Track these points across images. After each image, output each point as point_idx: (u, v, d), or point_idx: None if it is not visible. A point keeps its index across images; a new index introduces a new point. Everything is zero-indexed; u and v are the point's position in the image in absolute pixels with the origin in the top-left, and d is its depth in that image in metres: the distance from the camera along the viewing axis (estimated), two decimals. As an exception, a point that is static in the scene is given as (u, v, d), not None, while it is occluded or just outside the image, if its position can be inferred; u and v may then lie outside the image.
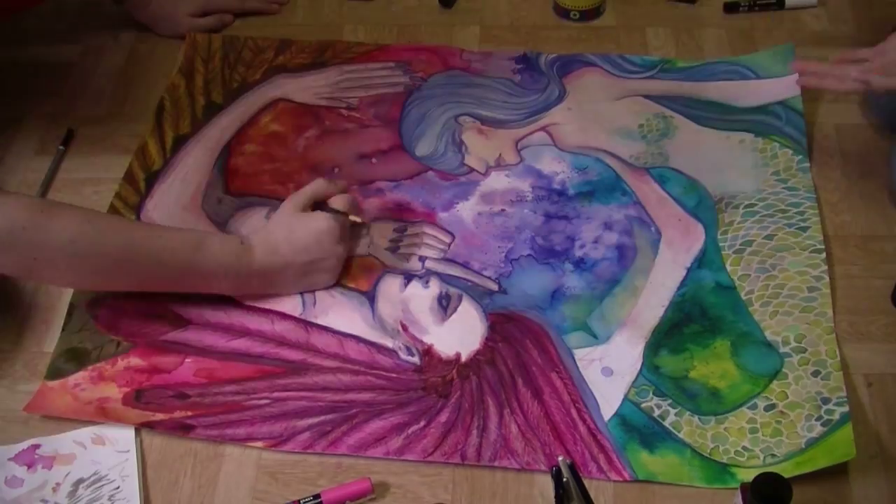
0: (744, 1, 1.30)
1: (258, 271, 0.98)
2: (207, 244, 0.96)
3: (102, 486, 0.90)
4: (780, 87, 1.18)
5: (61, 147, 1.17)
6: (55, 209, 0.91)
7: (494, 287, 1.03)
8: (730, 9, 1.31)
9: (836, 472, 0.88)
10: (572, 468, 0.80)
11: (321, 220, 1.00)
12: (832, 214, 1.08)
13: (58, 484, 0.90)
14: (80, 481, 0.90)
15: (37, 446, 0.92)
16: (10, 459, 0.91)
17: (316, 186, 1.02)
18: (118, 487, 0.89)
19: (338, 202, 1.02)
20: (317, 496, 0.87)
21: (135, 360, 0.98)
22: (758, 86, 1.19)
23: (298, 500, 0.87)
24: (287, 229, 0.99)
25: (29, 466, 0.91)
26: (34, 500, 0.89)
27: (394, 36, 1.30)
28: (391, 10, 1.35)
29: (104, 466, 0.91)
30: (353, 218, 1.03)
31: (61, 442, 0.92)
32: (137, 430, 0.93)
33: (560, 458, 0.81)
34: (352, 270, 1.05)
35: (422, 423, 0.92)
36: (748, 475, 0.83)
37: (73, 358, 0.98)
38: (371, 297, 1.02)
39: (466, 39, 1.29)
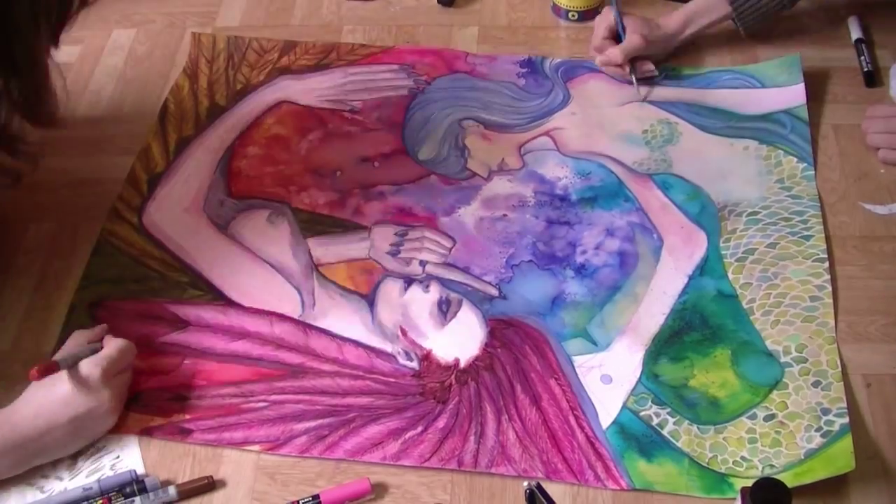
0: None
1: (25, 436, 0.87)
2: None
3: (102, 456, 0.91)
4: (786, 96, 1.17)
5: None
6: None
7: (495, 292, 1.02)
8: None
9: (834, 472, 0.87)
10: (540, 488, 0.83)
11: (62, 386, 0.89)
12: (831, 215, 1.07)
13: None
14: (79, 454, 0.91)
15: None
16: None
17: (66, 349, 0.93)
18: (118, 457, 0.90)
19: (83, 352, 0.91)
20: (315, 497, 0.87)
21: (133, 362, 0.97)
22: (763, 94, 1.18)
23: (297, 501, 0.87)
24: (36, 405, 0.89)
25: None
26: (35, 477, 0.89)
27: (392, 37, 1.30)
28: (389, 10, 1.34)
29: (102, 438, 0.92)
30: (93, 346, 0.93)
31: None
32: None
33: (525, 483, 0.83)
34: (352, 273, 1.05)
35: (419, 429, 0.92)
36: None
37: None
38: (371, 301, 1.02)
39: (465, 40, 1.29)
